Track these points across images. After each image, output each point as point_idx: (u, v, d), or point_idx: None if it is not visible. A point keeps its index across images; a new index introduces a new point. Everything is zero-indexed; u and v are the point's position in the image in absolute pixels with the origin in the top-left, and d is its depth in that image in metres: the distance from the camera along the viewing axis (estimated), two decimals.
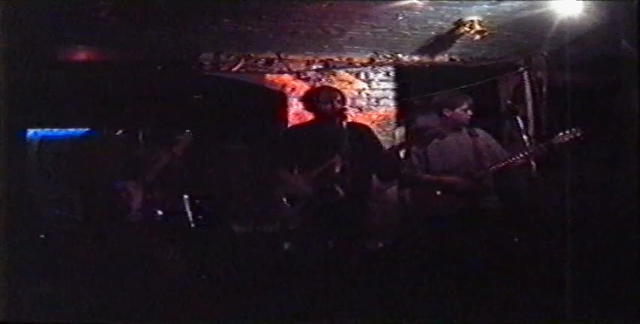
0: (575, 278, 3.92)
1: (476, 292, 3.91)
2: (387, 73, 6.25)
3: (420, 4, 4.56)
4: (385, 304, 3.87)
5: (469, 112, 4.55)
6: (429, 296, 3.94)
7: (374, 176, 4.70)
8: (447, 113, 4.56)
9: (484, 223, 4.36)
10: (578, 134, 4.23)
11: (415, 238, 4.78)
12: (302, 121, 5.45)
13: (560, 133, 4.28)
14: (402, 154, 4.57)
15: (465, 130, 4.60)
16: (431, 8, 4.73)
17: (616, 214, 4.34)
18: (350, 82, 6.20)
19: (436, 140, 4.45)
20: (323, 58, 6.11)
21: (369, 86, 6.26)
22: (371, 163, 4.47)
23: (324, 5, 4.57)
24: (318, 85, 6.00)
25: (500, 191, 4.55)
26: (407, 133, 6.20)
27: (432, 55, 6.08)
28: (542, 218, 4.66)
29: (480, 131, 4.64)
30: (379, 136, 5.12)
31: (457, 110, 4.53)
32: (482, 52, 5.94)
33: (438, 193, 4.44)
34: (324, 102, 4.50)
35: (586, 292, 3.76)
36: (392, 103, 6.28)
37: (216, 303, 3.90)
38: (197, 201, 4.63)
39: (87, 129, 4.55)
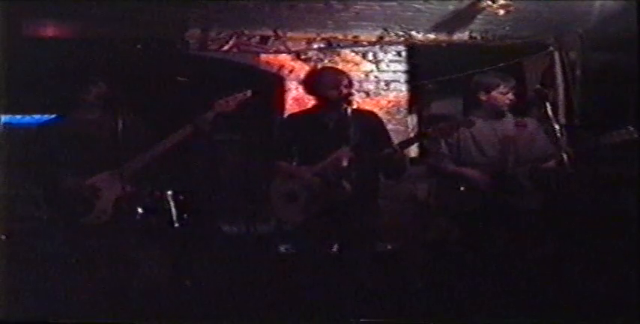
0: (608, 281, 3.91)
1: (493, 297, 3.80)
2: (399, 53, 6.14)
3: None
4: (396, 313, 3.78)
5: (510, 96, 4.23)
6: (444, 304, 3.87)
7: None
8: (483, 97, 4.25)
9: (513, 225, 4.08)
10: (635, 135, 3.82)
11: (431, 241, 4.70)
12: (302, 107, 5.19)
13: (614, 132, 3.85)
14: (427, 142, 4.39)
15: (510, 118, 4.30)
16: None
17: None
18: (356, 64, 6.07)
19: (463, 129, 4.25)
20: (326, 35, 6.00)
21: (378, 68, 6.13)
22: (379, 157, 4.20)
23: None
24: (320, 66, 5.82)
25: (536, 190, 4.23)
26: (420, 122, 6.13)
27: (449, 33, 5.98)
28: (580, 222, 4.47)
29: (530, 121, 4.32)
30: (389, 126, 4.81)
31: (494, 93, 4.22)
32: (507, 29, 5.85)
33: (462, 188, 4.13)
34: (329, 86, 4.14)
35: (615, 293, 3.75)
36: (404, 88, 6.16)
37: (203, 312, 3.80)
38: (182, 197, 4.52)
39: (55, 114, 4.25)
